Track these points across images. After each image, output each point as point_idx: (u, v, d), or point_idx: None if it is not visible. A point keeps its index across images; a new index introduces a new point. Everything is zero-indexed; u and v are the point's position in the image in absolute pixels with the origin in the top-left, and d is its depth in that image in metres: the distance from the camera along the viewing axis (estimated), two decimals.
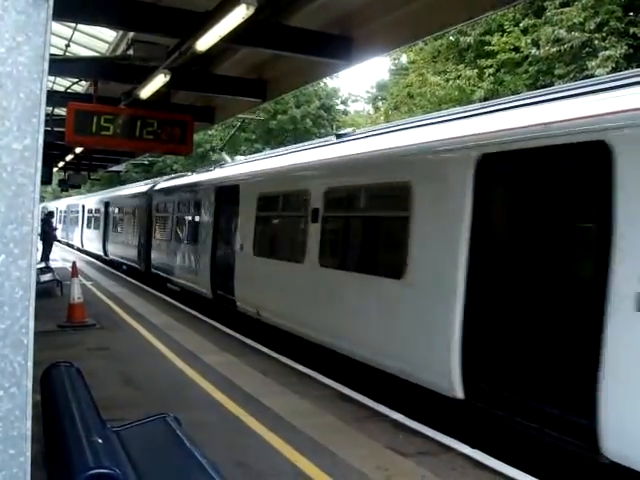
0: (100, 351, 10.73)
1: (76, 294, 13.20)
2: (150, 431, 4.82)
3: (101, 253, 32.24)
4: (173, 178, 23.66)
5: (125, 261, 27.05)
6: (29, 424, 2.22)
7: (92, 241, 35.99)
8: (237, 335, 12.60)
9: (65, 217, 51.05)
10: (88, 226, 38.15)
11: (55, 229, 31.45)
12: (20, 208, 2.16)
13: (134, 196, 26.09)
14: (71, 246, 43.97)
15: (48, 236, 27.74)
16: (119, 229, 28.87)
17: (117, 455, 4.07)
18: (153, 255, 22.13)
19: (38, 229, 2.28)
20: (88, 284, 19.89)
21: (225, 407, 7.78)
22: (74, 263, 15.02)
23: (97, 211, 35.05)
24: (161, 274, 20.99)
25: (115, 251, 29.43)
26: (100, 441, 3.94)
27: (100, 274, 24.92)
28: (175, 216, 19.97)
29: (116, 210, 29.97)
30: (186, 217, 19.04)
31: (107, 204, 31.91)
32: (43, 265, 20.88)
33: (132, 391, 8.42)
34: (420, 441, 6.74)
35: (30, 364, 2.21)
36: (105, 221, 31.92)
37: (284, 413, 7.53)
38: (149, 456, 4.47)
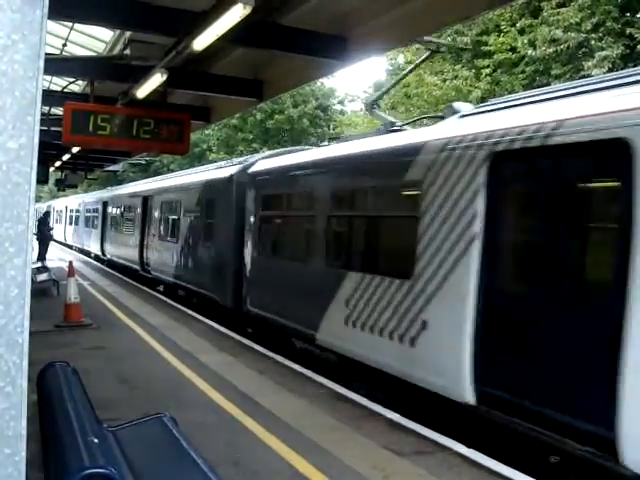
0: (96, 351, 10.72)
1: (72, 294, 13.18)
2: (146, 431, 4.82)
3: (136, 266, 23.64)
4: (292, 152, 13.98)
5: (184, 283, 17.99)
6: (24, 423, 2.22)
7: (120, 248, 27.18)
8: (233, 335, 12.59)
9: (77, 217, 41.15)
10: (114, 228, 29.00)
11: (51, 229, 31.28)
12: (15, 207, 2.16)
13: (204, 186, 16.88)
14: (86, 253, 36.45)
15: (44, 236, 27.70)
16: (170, 236, 19.84)
17: (113, 455, 4.06)
18: (253, 284, 13.03)
19: (34, 228, 2.28)
20: (85, 284, 19.85)
21: (221, 407, 7.77)
22: (70, 263, 15.00)
23: (128, 210, 26.25)
24: (282, 323, 11.49)
25: (162, 266, 20.19)
26: (96, 441, 3.93)
27: (97, 274, 24.89)
28: (324, 217, 10.47)
29: (162, 208, 21.08)
30: (368, 220, 9.78)
31: (146, 200, 23.25)
32: (39, 265, 20.87)
33: (128, 391, 8.41)
34: (416, 440, 6.75)
35: (25, 363, 2.20)
36: (143, 223, 23.31)
37: (280, 412, 7.53)
38: (145, 456, 4.46)
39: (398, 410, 7.71)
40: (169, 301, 17.46)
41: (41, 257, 26.19)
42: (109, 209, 30.36)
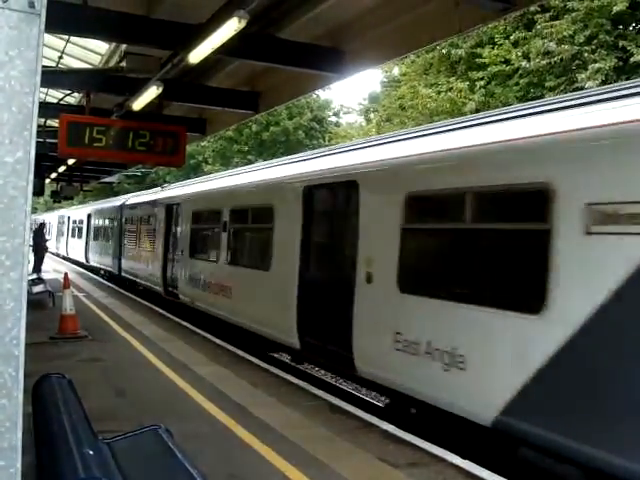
0: (92, 362, 10.70)
1: (68, 305, 13.16)
2: (141, 443, 4.81)
3: (290, 340, 10.83)
4: None
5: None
6: (19, 435, 2.24)
7: (221, 288, 14.38)
8: (228, 346, 12.57)
9: (109, 230, 29.55)
10: (203, 251, 16.58)
11: (46, 240, 31.14)
12: (12, 221, 2.18)
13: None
14: (120, 281, 25.67)
15: (39, 247, 27.68)
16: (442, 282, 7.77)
17: (108, 467, 4.07)
18: None
19: (30, 241, 2.30)
20: (80, 295, 19.81)
21: (216, 418, 7.76)
22: (66, 274, 14.98)
23: (238, 217, 14.06)
24: None
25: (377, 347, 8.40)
26: (91, 453, 3.94)
27: (92, 285, 24.83)
28: None
29: (398, 211, 8.22)
30: None
31: (310, 193, 10.77)
32: (35, 276, 20.83)
33: (124, 402, 8.40)
34: (411, 452, 6.75)
35: (21, 375, 2.22)
36: (305, 245, 10.74)
37: (275, 424, 7.52)
38: (140, 468, 4.46)
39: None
40: (164, 313, 17.42)
41: (36, 269, 26.13)
42: (184, 218, 18.04)
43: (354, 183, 9.23)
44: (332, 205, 10.53)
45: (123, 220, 26.22)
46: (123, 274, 25.37)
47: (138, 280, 22.94)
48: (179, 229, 18.37)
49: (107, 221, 30.14)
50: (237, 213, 14.05)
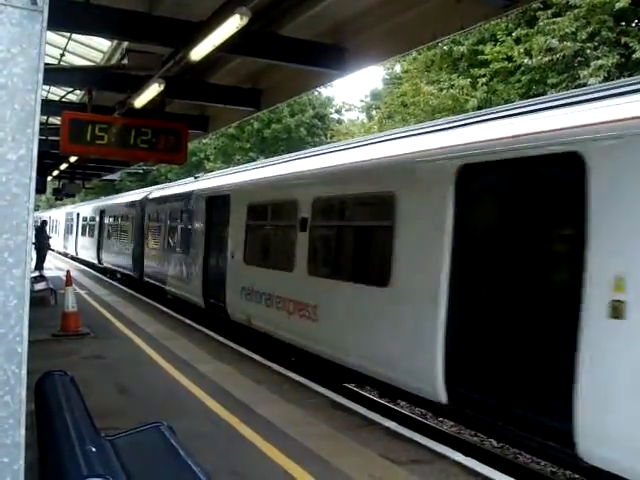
0: (94, 360, 10.70)
1: (70, 303, 13.16)
2: (144, 440, 4.81)
3: (430, 390, 7.49)
4: None
5: None
6: (23, 432, 2.24)
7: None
8: (231, 344, 12.58)
9: (120, 228, 27.59)
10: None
11: (49, 237, 31.12)
12: (15, 218, 2.18)
13: None
14: (142, 286, 22.38)
15: (42, 245, 27.70)
16: None
17: (110, 464, 4.07)
18: None
19: (32, 238, 2.30)
20: (82, 293, 19.82)
21: (219, 416, 7.77)
22: (68, 272, 14.99)
23: (327, 210, 10.70)
24: None
25: None
26: (94, 450, 3.94)
27: (94, 283, 24.84)
28: None
29: None
30: None
31: None
32: (37, 274, 20.84)
33: (126, 400, 8.40)
34: (413, 449, 6.75)
35: (24, 372, 2.23)
36: None
37: (278, 421, 7.52)
38: (143, 465, 4.46)
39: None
40: (167, 310, 17.42)
41: (38, 266, 26.15)
42: (236, 213, 14.19)
43: (574, 157, 5.91)
44: (520, 191, 6.71)
45: (146, 216, 22.76)
46: (145, 279, 21.94)
47: (166, 287, 19.21)
48: (228, 227, 14.55)
49: (125, 218, 26.67)
50: (325, 206, 10.52)
